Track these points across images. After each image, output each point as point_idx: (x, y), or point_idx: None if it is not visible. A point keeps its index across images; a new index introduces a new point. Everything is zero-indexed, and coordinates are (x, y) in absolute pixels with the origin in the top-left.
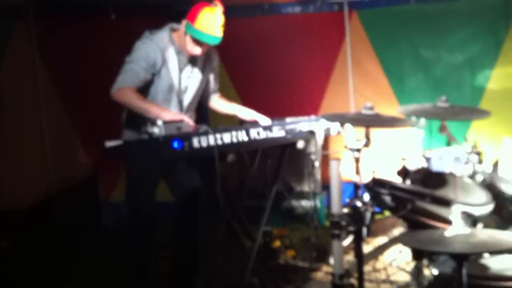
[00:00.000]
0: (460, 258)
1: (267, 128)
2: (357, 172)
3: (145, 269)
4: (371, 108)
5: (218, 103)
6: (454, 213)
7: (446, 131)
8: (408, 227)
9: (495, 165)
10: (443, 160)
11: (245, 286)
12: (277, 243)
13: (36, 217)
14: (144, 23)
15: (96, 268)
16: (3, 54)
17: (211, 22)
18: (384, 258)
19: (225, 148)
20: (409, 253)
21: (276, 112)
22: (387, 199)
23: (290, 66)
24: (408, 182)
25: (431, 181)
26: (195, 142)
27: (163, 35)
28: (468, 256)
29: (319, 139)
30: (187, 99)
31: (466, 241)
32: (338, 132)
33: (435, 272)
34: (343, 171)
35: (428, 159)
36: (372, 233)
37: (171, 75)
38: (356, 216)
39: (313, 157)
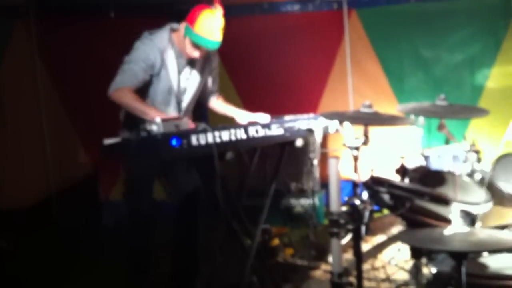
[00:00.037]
0: (459, 257)
1: (266, 126)
2: (356, 170)
3: (145, 269)
4: (370, 106)
5: (217, 104)
6: (453, 211)
7: (445, 130)
8: (407, 226)
9: (494, 163)
10: (441, 158)
11: (244, 285)
12: (276, 242)
13: (36, 217)
14: (144, 23)
15: (96, 268)
16: (3, 54)
17: (210, 26)
18: (383, 257)
19: (223, 146)
20: (408, 252)
21: (275, 110)
22: (386, 197)
23: (289, 64)
24: (406, 180)
25: (429, 179)
26: (194, 140)
27: (162, 36)
28: (467, 254)
29: (318, 137)
30: (185, 100)
31: (465, 239)
32: (337, 130)
33: (434, 270)
34: (342, 169)
35: (426, 158)
36: (370, 232)
37: (170, 77)
38: (354, 214)
39: (311, 155)
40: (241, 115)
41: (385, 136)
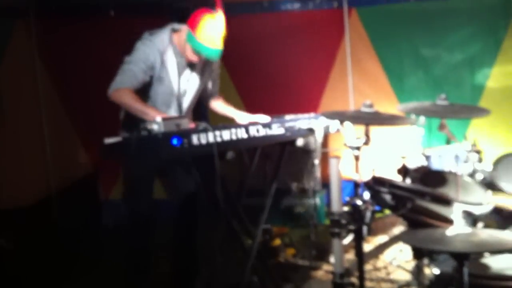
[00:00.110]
0: (461, 257)
1: (267, 126)
2: (357, 170)
3: (145, 269)
4: (371, 106)
5: (217, 105)
6: (455, 212)
7: (446, 130)
8: (408, 226)
9: (495, 163)
10: (443, 158)
11: (245, 285)
12: (277, 242)
13: (36, 217)
14: (144, 23)
15: (96, 268)
16: (3, 54)
17: (212, 33)
18: (385, 257)
19: (224, 146)
20: (409, 252)
21: (275, 110)
22: (387, 197)
23: (289, 63)
24: (408, 180)
25: (431, 179)
26: (195, 139)
27: (163, 37)
28: (469, 255)
29: (319, 136)
30: (186, 102)
31: (467, 240)
32: (338, 130)
33: (436, 271)
34: (343, 169)
35: (428, 158)
36: (372, 232)
37: (171, 79)
38: (356, 214)
39: (312, 155)
40: (241, 117)
41: (386, 136)
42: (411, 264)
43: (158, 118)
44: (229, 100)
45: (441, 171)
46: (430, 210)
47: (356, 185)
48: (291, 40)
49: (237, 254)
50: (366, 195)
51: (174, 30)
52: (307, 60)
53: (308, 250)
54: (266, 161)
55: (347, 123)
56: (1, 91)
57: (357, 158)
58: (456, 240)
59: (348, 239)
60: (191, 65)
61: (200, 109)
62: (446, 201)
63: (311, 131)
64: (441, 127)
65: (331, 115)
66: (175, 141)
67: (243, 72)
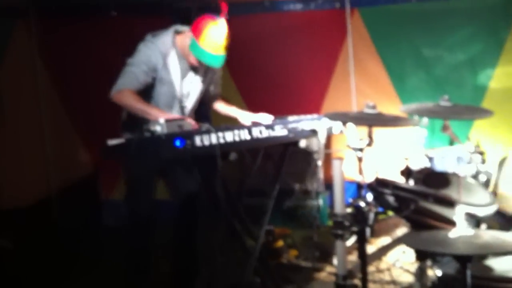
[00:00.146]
0: (464, 259)
1: (270, 127)
2: (360, 171)
3: (145, 269)
4: (374, 107)
5: (219, 106)
6: (458, 213)
7: (449, 131)
8: (412, 228)
9: (500, 164)
10: (445, 159)
11: (245, 285)
12: (279, 243)
13: (36, 217)
14: (144, 23)
15: (96, 268)
16: (3, 54)
17: (215, 40)
18: (388, 259)
19: (227, 147)
20: (412, 254)
21: (278, 111)
22: (390, 199)
23: (292, 64)
24: (411, 182)
25: (434, 181)
26: (197, 140)
27: (165, 39)
28: (471, 257)
29: (322, 138)
30: (189, 104)
31: (470, 242)
32: (341, 131)
33: (439, 273)
34: (346, 170)
35: (430, 159)
36: (375, 234)
37: (173, 81)
38: (359, 216)
39: (315, 156)
40: (244, 116)
41: (388, 137)
42: (414, 266)
43: (161, 120)
44: (231, 101)
45: (444, 172)
46: (433, 212)
47: (359, 186)
48: (293, 41)
49: (237, 254)
50: (369, 196)
51: (177, 32)
52: (309, 61)
53: (310, 251)
54: (268, 161)
55: (350, 124)
56: (1, 91)
57: (360, 159)
58: (459, 242)
59: (351, 240)
60: (194, 68)
61: (202, 110)
62: (449, 203)
63: (314, 132)
64: (444, 128)
65: (334, 116)
66: (178, 143)
67: (245, 73)
